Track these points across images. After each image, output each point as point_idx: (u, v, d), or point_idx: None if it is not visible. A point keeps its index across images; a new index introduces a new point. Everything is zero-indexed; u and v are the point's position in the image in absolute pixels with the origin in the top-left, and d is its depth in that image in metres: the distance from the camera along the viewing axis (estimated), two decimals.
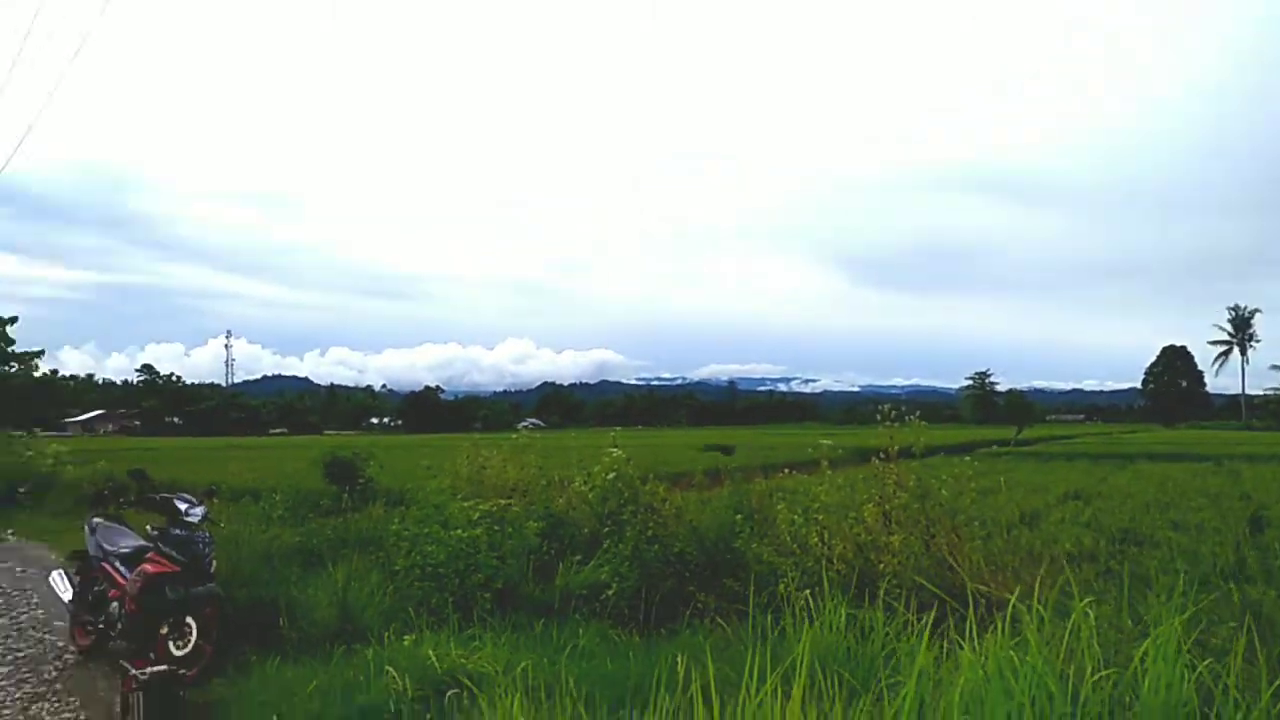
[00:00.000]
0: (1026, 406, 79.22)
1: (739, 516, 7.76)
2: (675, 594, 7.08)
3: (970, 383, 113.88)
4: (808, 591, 5.21)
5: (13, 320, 45.60)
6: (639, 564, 7.19)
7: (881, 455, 7.00)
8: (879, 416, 7.17)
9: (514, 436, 12.26)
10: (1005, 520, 10.48)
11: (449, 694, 4.69)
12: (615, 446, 8.77)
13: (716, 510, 8.22)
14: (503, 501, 8.49)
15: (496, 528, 7.83)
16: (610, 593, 6.98)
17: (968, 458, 8.16)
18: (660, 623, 6.76)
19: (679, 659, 3.75)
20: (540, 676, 4.58)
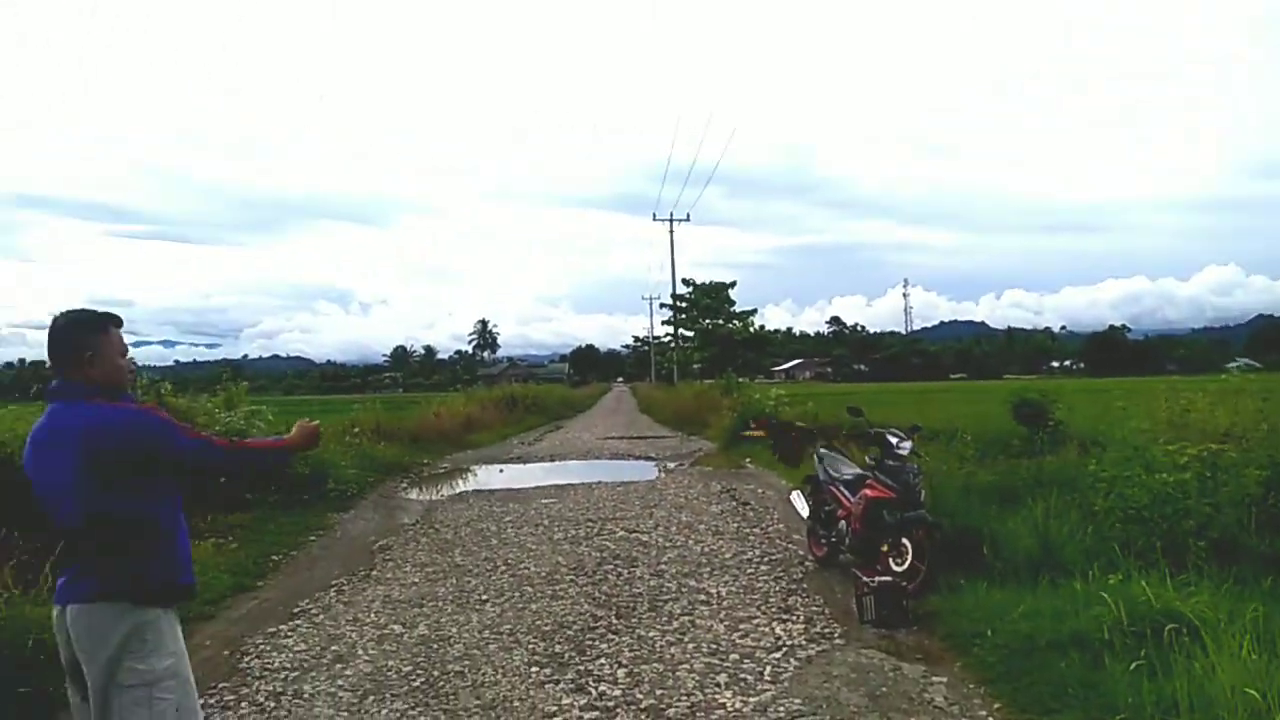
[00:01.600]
0: None
1: None
2: None
3: None
4: None
5: (733, 284, 54.03)
6: None
7: None
8: None
9: (1223, 378, 11.07)
10: None
11: (1167, 628, 4.72)
12: None
13: None
14: (1214, 446, 7.86)
15: (1208, 474, 7.32)
16: None
17: None
18: None
19: None
20: (1274, 627, 4.35)
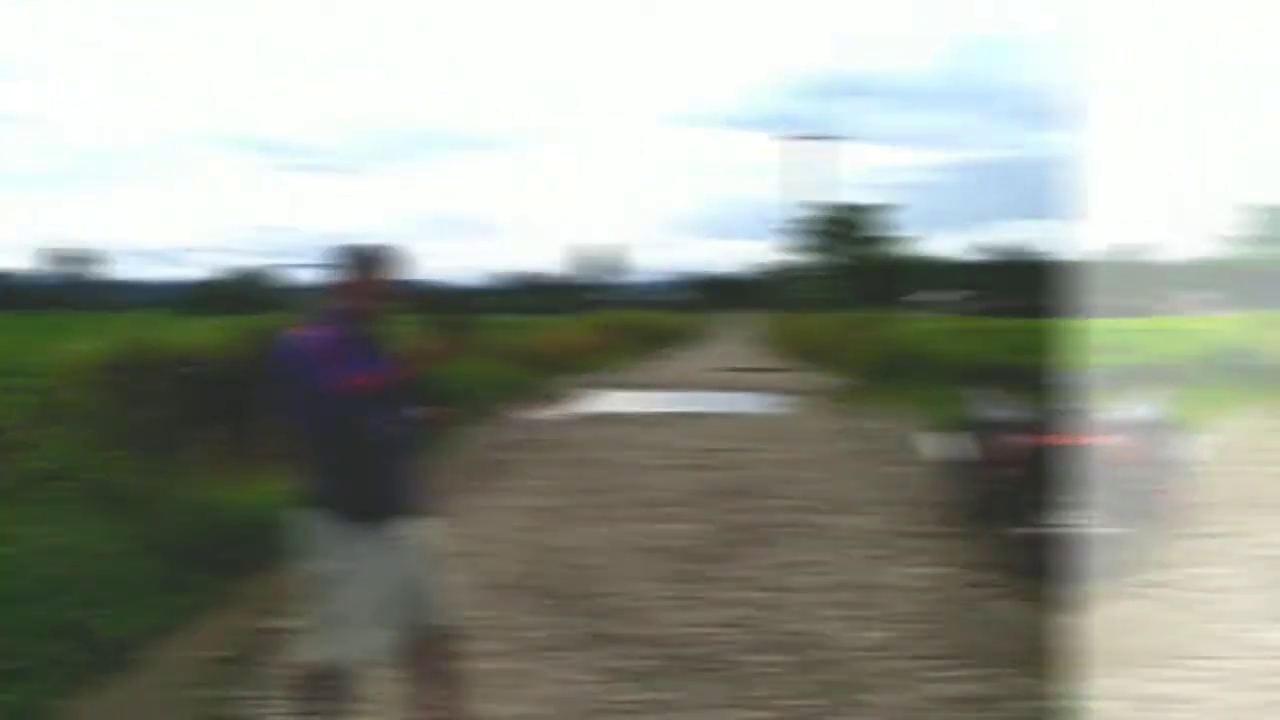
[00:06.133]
0: None
1: None
2: None
3: None
4: None
5: (879, 207, 50.80)
6: None
7: None
8: None
9: None
10: None
11: None
12: None
13: None
14: None
15: None
16: None
17: None
18: None
19: None
20: None
